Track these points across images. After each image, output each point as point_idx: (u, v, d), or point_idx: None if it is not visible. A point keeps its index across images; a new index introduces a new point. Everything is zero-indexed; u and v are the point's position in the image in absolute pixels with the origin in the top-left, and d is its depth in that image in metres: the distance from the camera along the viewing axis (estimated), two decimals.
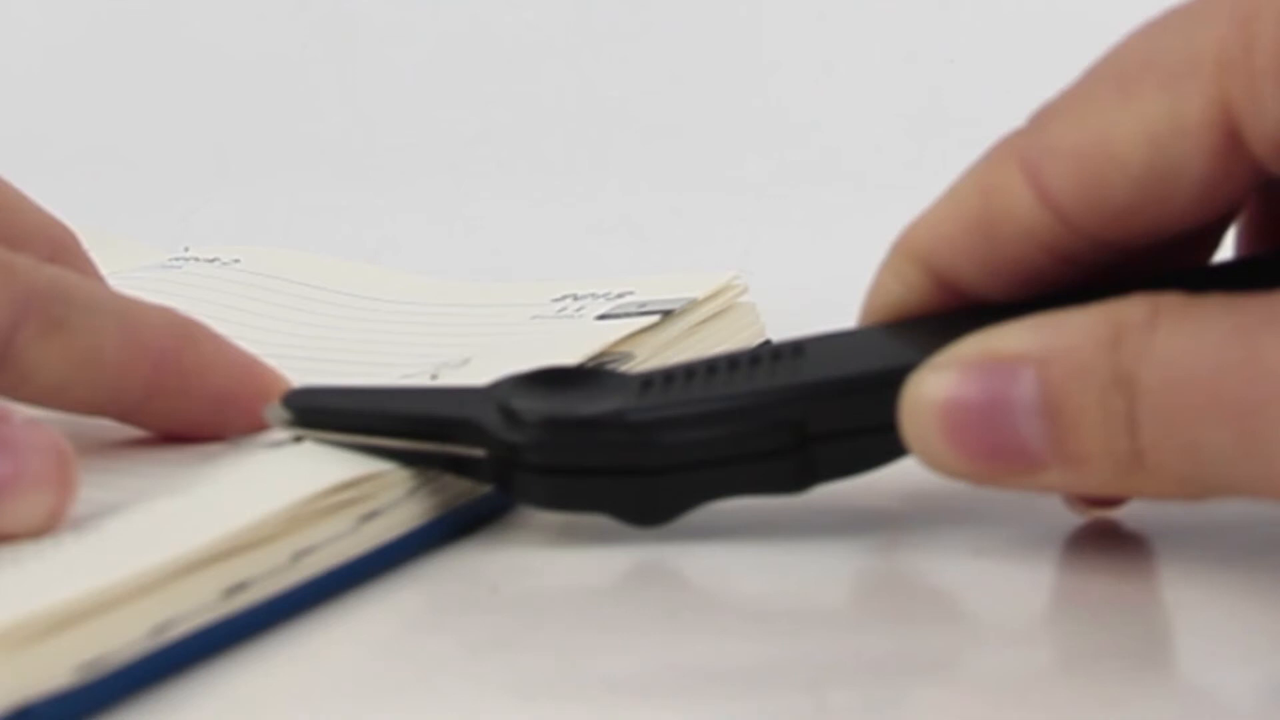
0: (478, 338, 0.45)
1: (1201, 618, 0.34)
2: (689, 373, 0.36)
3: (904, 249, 0.36)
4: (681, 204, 0.70)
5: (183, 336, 0.39)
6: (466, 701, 0.32)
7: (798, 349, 0.36)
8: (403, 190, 0.74)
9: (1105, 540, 0.37)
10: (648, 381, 0.37)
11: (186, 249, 0.53)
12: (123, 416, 0.39)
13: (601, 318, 0.45)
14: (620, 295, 0.47)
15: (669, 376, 0.36)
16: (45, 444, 0.35)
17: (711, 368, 0.36)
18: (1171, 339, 0.32)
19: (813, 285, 0.52)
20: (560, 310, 0.47)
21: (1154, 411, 0.32)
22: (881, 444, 0.35)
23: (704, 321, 0.46)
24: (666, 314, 0.45)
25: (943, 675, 0.32)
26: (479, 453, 0.37)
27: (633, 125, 0.79)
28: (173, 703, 0.31)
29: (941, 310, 0.36)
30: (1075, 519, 0.37)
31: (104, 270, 0.44)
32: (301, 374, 0.41)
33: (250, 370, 0.40)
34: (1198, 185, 0.33)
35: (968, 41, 0.78)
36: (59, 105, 0.84)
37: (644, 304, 0.46)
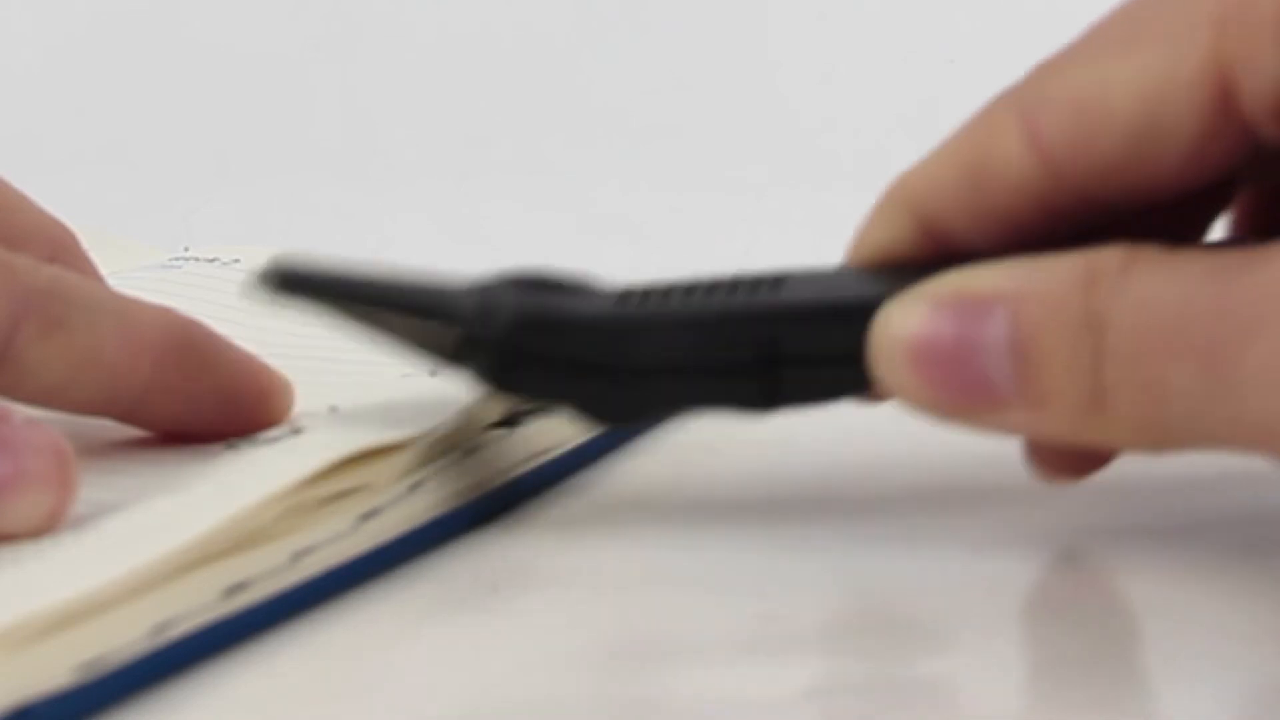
0: None
1: (1186, 621, 0.34)
2: (668, 290, 0.37)
3: (895, 195, 0.36)
4: (681, 204, 0.70)
5: (182, 337, 0.39)
6: (467, 702, 0.32)
7: (778, 279, 0.36)
8: (403, 190, 0.74)
9: (1094, 544, 0.37)
10: (627, 294, 0.37)
11: (186, 249, 0.53)
12: (123, 416, 0.39)
13: None
14: None
15: (648, 292, 0.37)
16: (45, 444, 0.35)
17: (690, 288, 0.37)
18: (1144, 281, 0.32)
19: None
20: None
21: (1120, 351, 0.32)
22: (849, 374, 0.35)
23: None
24: None
25: (933, 681, 0.32)
26: (453, 331, 0.37)
27: (633, 125, 0.79)
28: (172, 703, 0.31)
29: (927, 258, 0.36)
30: (1068, 519, 0.37)
31: (104, 270, 0.44)
32: (302, 373, 0.41)
33: (250, 370, 0.40)
34: (1188, 143, 0.33)
35: (968, 41, 0.78)
36: (59, 105, 0.84)
37: None
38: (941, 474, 0.40)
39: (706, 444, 0.41)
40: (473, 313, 0.37)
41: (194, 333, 0.40)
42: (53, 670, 0.30)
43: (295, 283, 0.38)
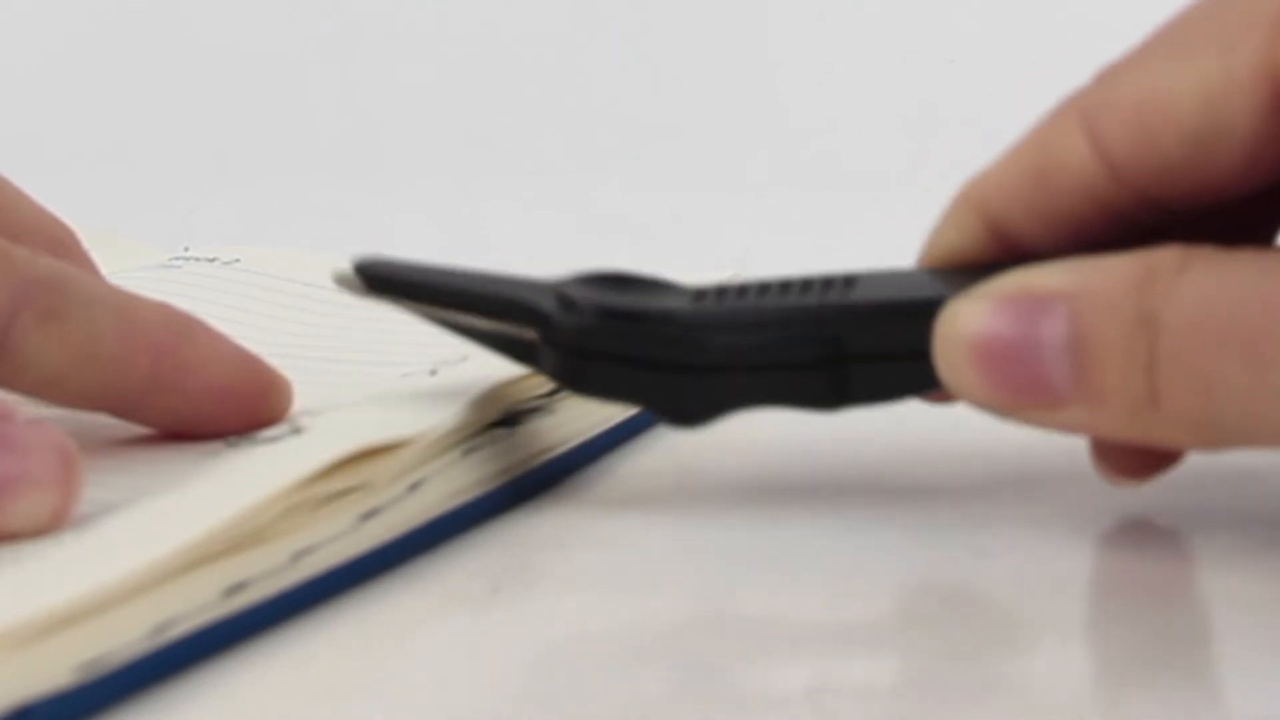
0: (479, 336, 0.45)
1: (1234, 611, 0.34)
2: (741, 289, 0.38)
3: (964, 198, 0.37)
4: (681, 204, 0.70)
5: (181, 332, 0.39)
6: (466, 701, 0.32)
7: (850, 280, 0.37)
8: (403, 190, 0.74)
9: (1139, 533, 0.37)
10: (702, 292, 0.38)
11: (186, 249, 0.53)
12: (121, 411, 0.39)
13: None
14: None
15: (722, 291, 0.38)
16: (49, 443, 0.35)
17: (764, 287, 0.38)
18: (1198, 280, 0.32)
19: None
20: None
21: (1173, 350, 0.32)
22: (915, 371, 0.36)
23: None
24: None
25: (975, 673, 0.32)
26: (532, 334, 0.38)
27: (633, 125, 0.79)
28: (172, 703, 0.31)
29: (994, 260, 0.36)
30: (1110, 510, 0.37)
31: (104, 270, 0.44)
32: (302, 373, 0.41)
33: (249, 367, 0.40)
34: (1246, 144, 0.33)
35: (968, 41, 0.78)
36: (59, 105, 0.84)
37: None
38: (1004, 458, 0.40)
39: (713, 443, 0.41)
40: (551, 311, 0.38)
41: (193, 328, 0.40)
42: (53, 670, 0.30)
43: (380, 282, 0.39)
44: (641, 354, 0.37)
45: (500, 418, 0.40)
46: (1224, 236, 0.35)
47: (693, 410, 0.38)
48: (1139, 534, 0.37)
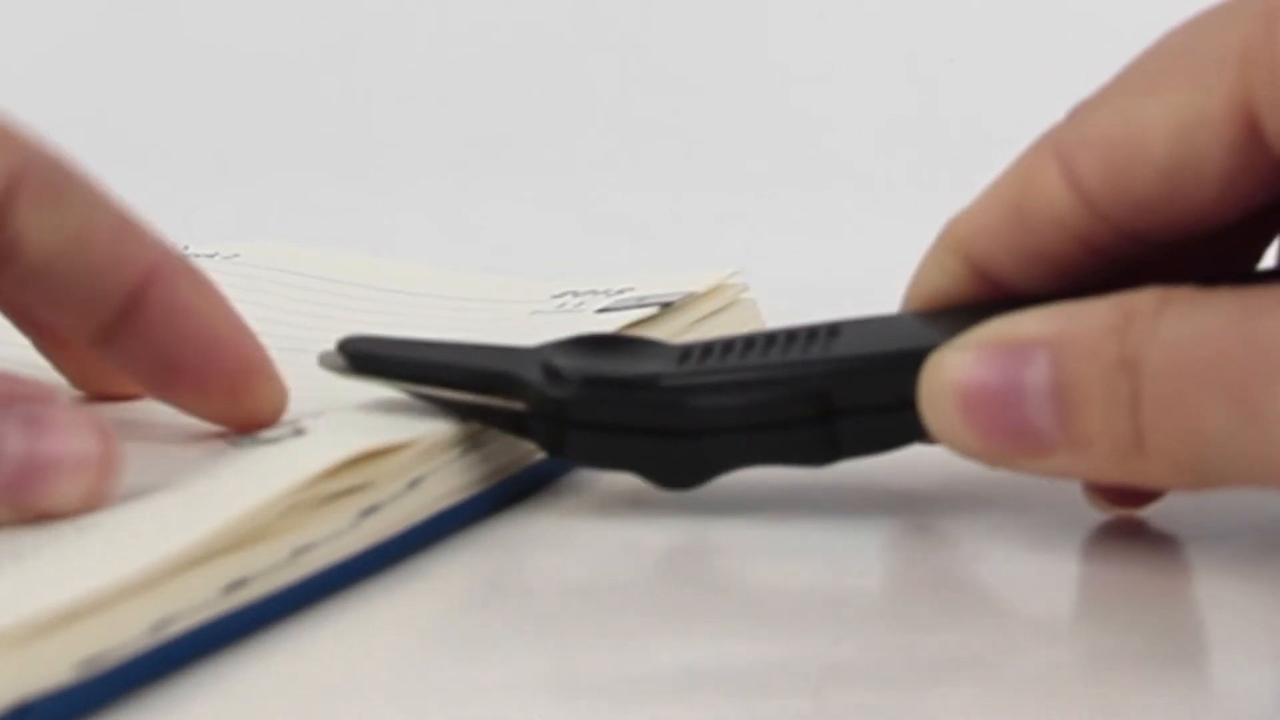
0: (478, 333, 0.45)
1: (1229, 615, 0.34)
2: (726, 346, 0.38)
3: (946, 239, 0.37)
4: (681, 204, 0.70)
5: (182, 268, 0.38)
6: (465, 700, 0.32)
7: (834, 329, 0.37)
8: (403, 190, 0.74)
9: (1133, 536, 0.37)
10: (686, 352, 0.38)
11: (186, 248, 0.53)
12: (98, 333, 0.38)
13: (601, 311, 0.46)
14: (620, 291, 0.47)
15: (707, 349, 0.38)
16: (89, 425, 0.34)
17: (749, 342, 0.38)
18: (1176, 322, 0.32)
19: (813, 285, 0.52)
20: (560, 306, 0.47)
21: (1156, 393, 0.32)
22: (904, 422, 0.36)
23: (705, 318, 0.47)
24: (665, 306, 0.45)
25: (966, 674, 0.32)
26: (520, 406, 0.38)
27: (633, 125, 0.79)
28: (173, 700, 0.31)
29: (978, 300, 0.37)
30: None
31: None
32: (304, 373, 0.41)
33: (245, 338, 0.39)
34: (1219, 178, 0.33)
35: (968, 41, 0.78)
36: (59, 105, 0.84)
37: (643, 298, 0.46)
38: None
39: None
40: (536, 383, 0.38)
41: (197, 273, 0.39)
42: (53, 667, 0.30)
43: (364, 360, 0.39)
44: (629, 421, 0.37)
45: None
46: (1205, 267, 0.35)
47: (683, 475, 0.38)
48: (1133, 536, 0.37)
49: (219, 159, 0.79)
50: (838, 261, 0.60)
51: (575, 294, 0.48)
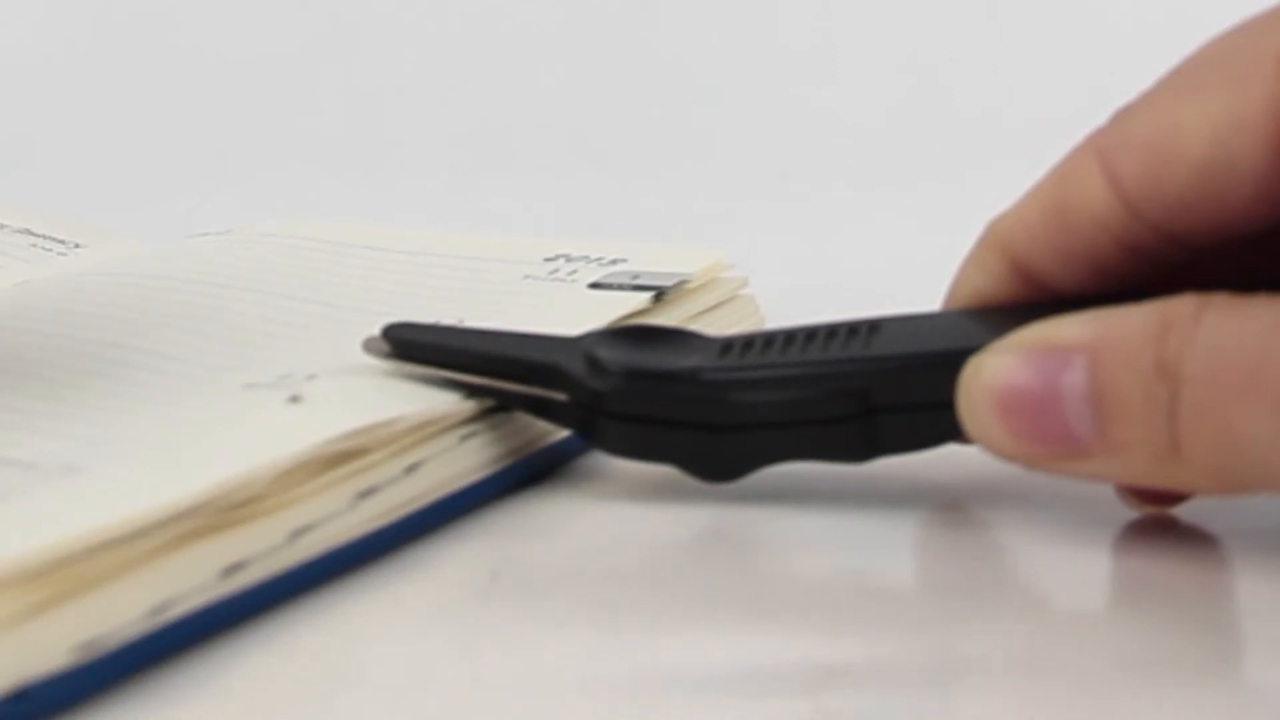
0: (471, 296, 0.46)
1: (1265, 613, 0.34)
2: (767, 340, 0.38)
3: (988, 238, 0.38)
4: (681, 204, 0.70)
5: None
6: (464, 694, 0.32)
7: (874, 326, 0.38)
8: (403, 189, 0.74)
9: (1166, 532, 0.37)
10: (728, 345, 0.38)
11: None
12: None
13: (593, 286, 0.46)
14: (613, 261, 0.47)
15: (748, 343, 0.38)
16: None
17: (789, 337, 0.38)
18: (1215, 330, 0.33)
19: (813, 284, 0.52)
20: (552, 272, 0.47)
21: (1193, 400, 0.33)
22: (941, 421, 0.36)
23: (704, 312, 0.47)
24: (659, 294, 0.45)
25: (1002, 670, 0.32)
26: (561, 397, 0.38)
27: (633, 125, 0.79)
28: (171, 684, 0.31)
29: (1018, 300, 0.37)
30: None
31: (102, 266, 0.44)
32: (300, 335, 0.41)
33: None
34: (1254, 180, 0.34)
35: (968, 41, 0.78)
36: (59, 105, 0.85)
37: (636, 274, 0.46)
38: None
39: None
40: (578, 374, 0.38)
41: None
42: (51, 651, 0.30)
43: (407, 346, 0.39)
44: (669, 414, 0.38)
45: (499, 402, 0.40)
46: (1246, 272, 0.35)
47: (723, 468, 0.38)
48: (1166, 533, 0.37)
49: (220, 157, 0.79)
50: (838, 261, 0.60)
51: (568, 258, 0.48)
